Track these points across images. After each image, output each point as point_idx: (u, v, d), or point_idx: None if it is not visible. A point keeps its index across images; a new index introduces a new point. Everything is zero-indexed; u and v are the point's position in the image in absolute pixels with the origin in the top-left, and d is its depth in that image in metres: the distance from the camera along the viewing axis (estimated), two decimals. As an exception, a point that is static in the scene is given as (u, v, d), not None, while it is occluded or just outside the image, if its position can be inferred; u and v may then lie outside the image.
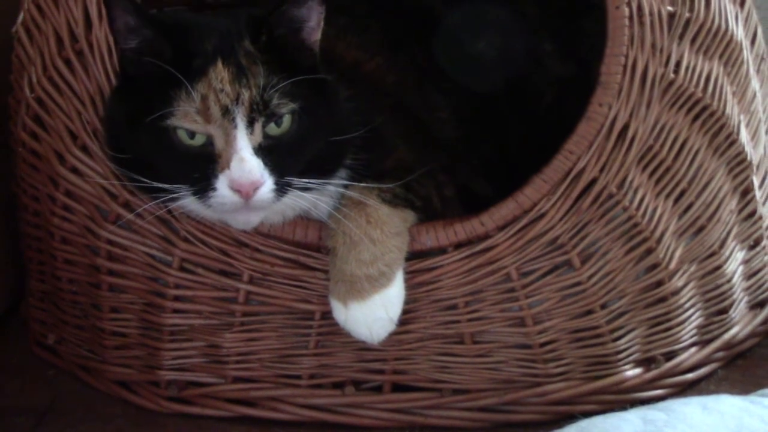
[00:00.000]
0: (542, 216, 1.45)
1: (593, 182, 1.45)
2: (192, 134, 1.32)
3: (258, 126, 1.32)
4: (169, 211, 1.44)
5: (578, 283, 1.49)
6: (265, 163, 1.32)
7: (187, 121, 1.31)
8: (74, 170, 1.51)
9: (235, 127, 1.31)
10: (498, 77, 1.69)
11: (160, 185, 1.33)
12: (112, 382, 1.59)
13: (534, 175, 1.45)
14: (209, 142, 1.32)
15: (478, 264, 1.47)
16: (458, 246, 1.47)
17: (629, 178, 1.47)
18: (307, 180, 1.35)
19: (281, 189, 1.33)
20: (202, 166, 1.32)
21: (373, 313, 1.42)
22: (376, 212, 1.42)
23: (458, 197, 1.56)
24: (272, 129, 1.33)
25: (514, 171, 1.51)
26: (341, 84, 1.45)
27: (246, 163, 1.30)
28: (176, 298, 1.52)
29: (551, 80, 1.70)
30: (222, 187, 1.31)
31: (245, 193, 1.30)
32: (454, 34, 1.71)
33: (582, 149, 1.44)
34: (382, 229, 1.42)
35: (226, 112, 1.31)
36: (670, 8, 1.46)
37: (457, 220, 1.47)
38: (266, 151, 1.32)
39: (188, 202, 1.36)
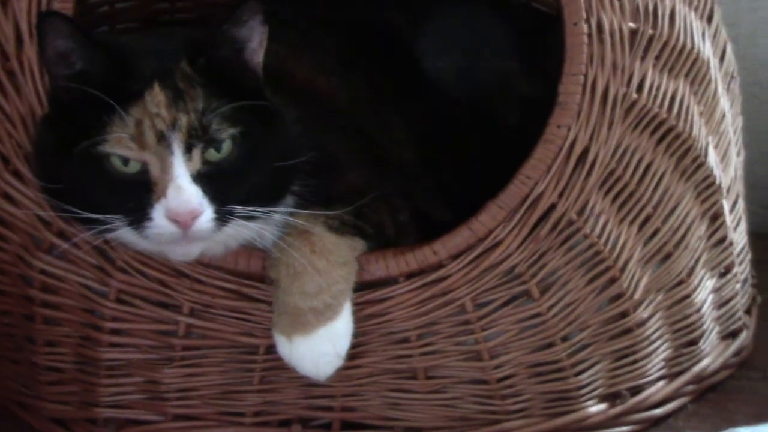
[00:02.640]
0: (498, 244, 1.38)
1: (552, 208, 1.38)
2: (126, 161, 1.24)
3: (196, 152, 1.24)
4: (106, 241, 1.36)
5: (537, 315, 1.41)
6: (205, 191, 1.24)
7: (120, 147, 1.23)
8: (6, 196, 1.42)
9: (172, 153, 1.23)
10: (459, 97, 1.62)
11: (94, 216, 1.26)
12: (48, 420, 1.51)
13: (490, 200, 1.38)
14: (144, 169, 1.24)
15: (430, 295, 1.39)
16: (410, 276, 1.39)
17: (590, 204, 1.39)
18: (250, 208, 1.27)
19: (222, 218, 1.25)
20: (137, 195, 1.24)
21: (319, 348, 1.34)
22: (321, 241, 1.34)
23: (414, 223, 1.48)
24: (211, 155, 1.25)
25: (475, 196, 1.43)
26: (290, 105, 1.37)
27: (183, 192, 1.23)
28: (113, 332, 1.43)
29: (516, 100, 1.62)
30: (158, 216, 1.23)
31: (183, 222, 1.23)
32: (413, 52, 1.63)
33: (539, 174, 1.36)
34: (328, 259, 1.34)
35: (161, 137, 1.23)
36: (632, 25, 1.39)
37: (408, 248, 1.39)
38: (205, 179, 1.25)
39: (124, 233, 1.27)
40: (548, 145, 1.36)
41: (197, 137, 1.24)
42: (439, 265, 1.38)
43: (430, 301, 1.39)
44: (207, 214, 1.24)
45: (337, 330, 1.35)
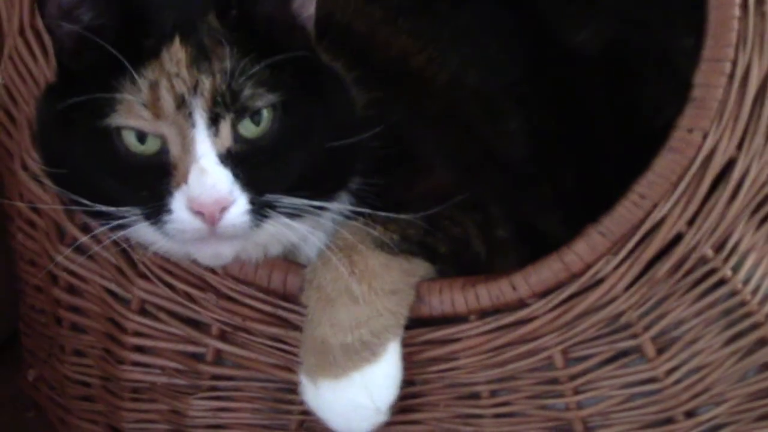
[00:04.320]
0: (599, 283, 1.04)
1: (677, 240, 1.02)
2: (142, 137, 0.99)
3: (225, 125, 0.97)
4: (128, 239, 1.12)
5: (652, 380, 1.07)
6: (236, 176, 0.97)
7: (131, 117, 0.97)
8: (36, 177, 1.20)
9: (194, 125, 0.97)
10: (598, 80, 1.27)
11: (104, 208, 1.01)
12: (79, 440, 1.30)
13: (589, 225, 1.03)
14: (164, 148, 0.98)
15: (509, 341, 1.07)
16: (483, 315, 1.07)
17: (734, 237, 1.02)
18: (296, 201, 0.99)
19: (260, 211, 0.98)
20: (154, 181, 0.98)
21: (351, 398, 1.05)
22: (365, 260, 1.04)
23: (519, 240, 1.16)
24: (248, 129, 0.99)
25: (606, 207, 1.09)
26: (372, 81, 1.09)
27: (208, 176, 0.96)
28: (136, 348, 1.19)
29: (676, 86, 1.25)
30: (179, 208, 0.97)
31: (209, 215, 0.96)
32: (547, 21, 1.29)
33: (661, 193, 1.01)
34: (370, 284, 1.04)
35: (181, 104, 0.97)
36: (811, -10, 1.00)
37: (482, 279, 1.07)
38: (238, 160, 0.98)
39: (142, 230, 1.02)
40: (674, 155, 1.00)
41: (225, 105, 0.97)
42: (522, 304, 1.06)
43: (507, 349, 1.07)
44: (240, 204, 0.97)
45: (377, 376, 1.05)
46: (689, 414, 1.07)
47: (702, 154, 1.00)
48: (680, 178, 1.00)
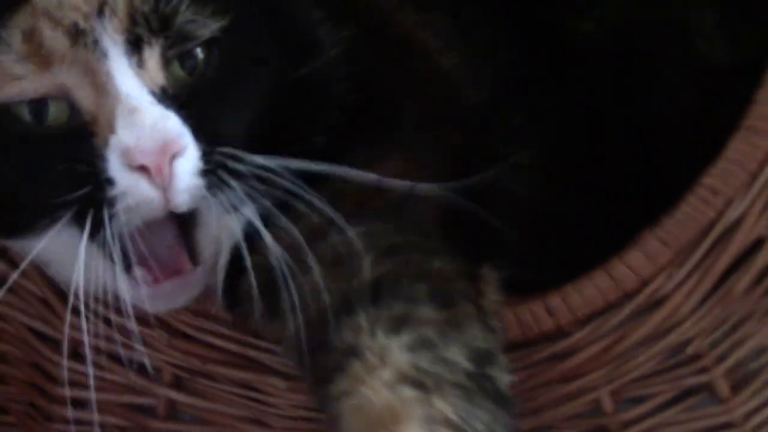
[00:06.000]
0: (659, 304, 0.83)
1: (758, 246, 0.81)
2: (40, 111, 0.73)
3: (153, 54, 0.73)
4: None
5: (728, 425, 0.86)
6: (181, 117, 0.72)
7: (7, 83, 0.72)
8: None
9: (104, 54, 0.71)
10: (608, 75, 1.05)
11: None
12: None
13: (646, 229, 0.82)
14: (73, 109, 0.72)
15: (544, 381, 0.86)
16: (511, 348, 0.85)
17: (831, 243, 0.82)
18: (259, 159, 0.73)
19: (215, 167, 0.72)
20: (73, 163, 0.72)
21: None
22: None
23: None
24: (176, 71, 0.74)
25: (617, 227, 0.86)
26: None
27: (143, 114, 0.70)
28: (69, 402, 0.96)
29: (698, 73, 1.03)
30: (117, 170, 0.70)
31: (155, 166, 0.70)
32: (551, 12, 1.07)
33: (736, 186, 0.80)
34: None
35: (77, 33, 0.72)
36: None
37: (508, 303, 0.84)
38: (179, 101, 0.73)
39: (63, 241, 0.75)
40: (753, 138, 0.80)
41: (149, 27, 0.72)
42: (560, 333, 0.84)
43: (543, 392, 0.86)
44: (191, 152, 0.71)
45: None
46: (774, 468, 0.86)
47: (789, 135, 0.79)
48: (761, 166, 0.79)
